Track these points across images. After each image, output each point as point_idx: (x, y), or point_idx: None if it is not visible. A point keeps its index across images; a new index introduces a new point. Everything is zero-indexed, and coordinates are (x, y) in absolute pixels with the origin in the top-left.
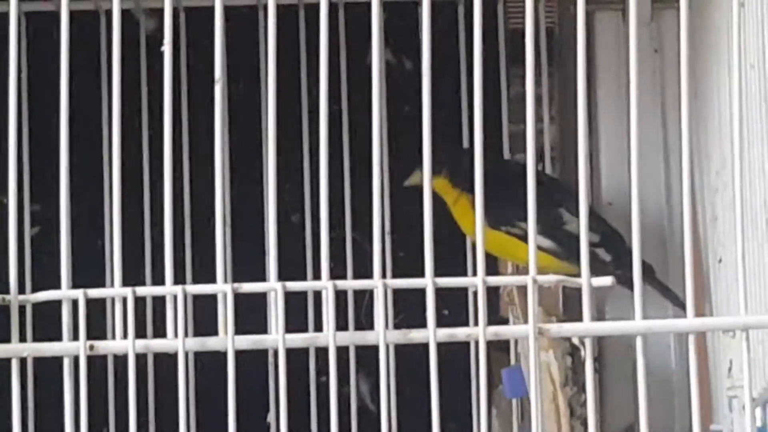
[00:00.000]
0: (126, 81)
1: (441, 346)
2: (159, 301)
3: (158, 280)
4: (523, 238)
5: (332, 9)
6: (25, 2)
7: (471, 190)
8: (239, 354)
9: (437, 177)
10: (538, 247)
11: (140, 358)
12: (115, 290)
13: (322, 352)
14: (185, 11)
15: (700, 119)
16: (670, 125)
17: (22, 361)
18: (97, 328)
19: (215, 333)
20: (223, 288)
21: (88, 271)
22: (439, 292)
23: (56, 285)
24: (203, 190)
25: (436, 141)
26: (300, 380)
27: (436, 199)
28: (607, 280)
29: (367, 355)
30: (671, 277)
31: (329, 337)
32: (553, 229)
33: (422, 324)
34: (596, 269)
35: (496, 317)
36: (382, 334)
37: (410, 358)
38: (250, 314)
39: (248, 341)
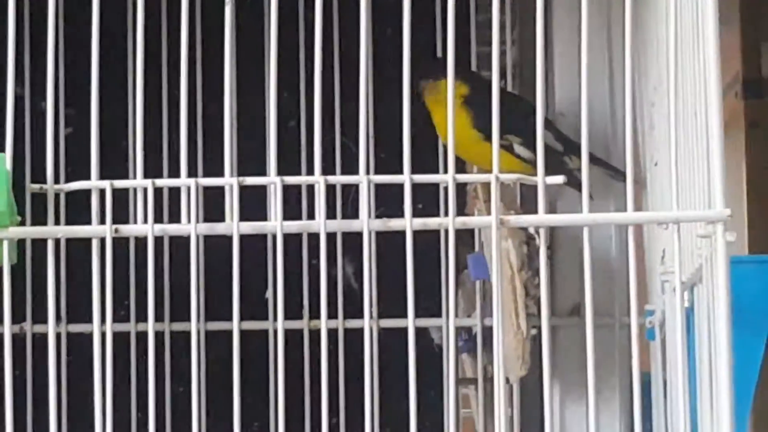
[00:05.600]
0: None
1: (415, 234)
2: (174, 193)
3: (174, 173)
4: (508, 148)
5: None
6: None
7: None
8: (242, 239)
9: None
10: (519, 156)
11: (158, 241)
12: (137, 182)
13: (313, 238)
14: None
15: (641, 42)
16: (615, 47)
17: (56, 243)
18: (120, 216)
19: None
20: (229, 181)
21: (113, 168)
22: (415, 187)
23: (87, 177)
24: (214, 99)
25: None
26: (294, 263)
27: (415, 109)
28: (558, 179)
29: (353, 241)
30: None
31: (320, 224)
32: (533, 142)
33: (400, 215)
34: (565, 175)
35: (462, 211)
36: (366, 223)
37: (389, 244)
38: (253, 206)
39: (251, 227)
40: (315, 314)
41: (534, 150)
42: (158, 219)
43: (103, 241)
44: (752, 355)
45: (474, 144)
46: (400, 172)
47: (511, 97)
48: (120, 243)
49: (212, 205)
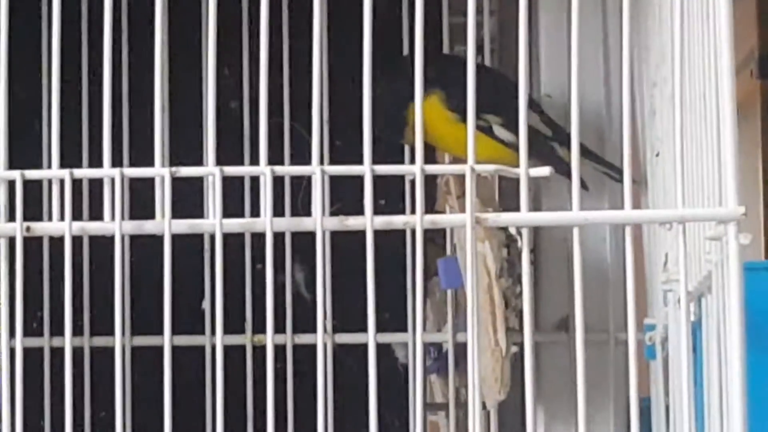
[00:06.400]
0: None
1: (377, 235)
2: (96, 186)
3: (96, 163)
4: (487, 130)
5: None
6: None
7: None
8: (175, 239)
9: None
10: (498, 140)
11: (76, 242)
12: (53, 172)
13: (258, 239)
14: None
15: (641, 12)
16: (611, 18)
17: None
18: (33, 213)
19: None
20: (160, 171)
21: (25, 156)
22: (377, 181)
23: None
24: (143, 75)
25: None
26: (235, 267)
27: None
28: (545, 170)
29: (303, 243)
30: None
31: (266, 222)
32: (515, 123)
33: (359, 213)
34: (554, 164)
35: (432, 207)
36: (320, 221)
37: (346, 247)
38: (188, 201)
39: (185, 225)
40: (259, 328)
41: (516, 132)
42: (77, 216)
43: (12, 240)
44: None
45: (447, 126)
46: (360, 162)
47: (490, 73)
48: (32, 243)
49: (140, 200)
